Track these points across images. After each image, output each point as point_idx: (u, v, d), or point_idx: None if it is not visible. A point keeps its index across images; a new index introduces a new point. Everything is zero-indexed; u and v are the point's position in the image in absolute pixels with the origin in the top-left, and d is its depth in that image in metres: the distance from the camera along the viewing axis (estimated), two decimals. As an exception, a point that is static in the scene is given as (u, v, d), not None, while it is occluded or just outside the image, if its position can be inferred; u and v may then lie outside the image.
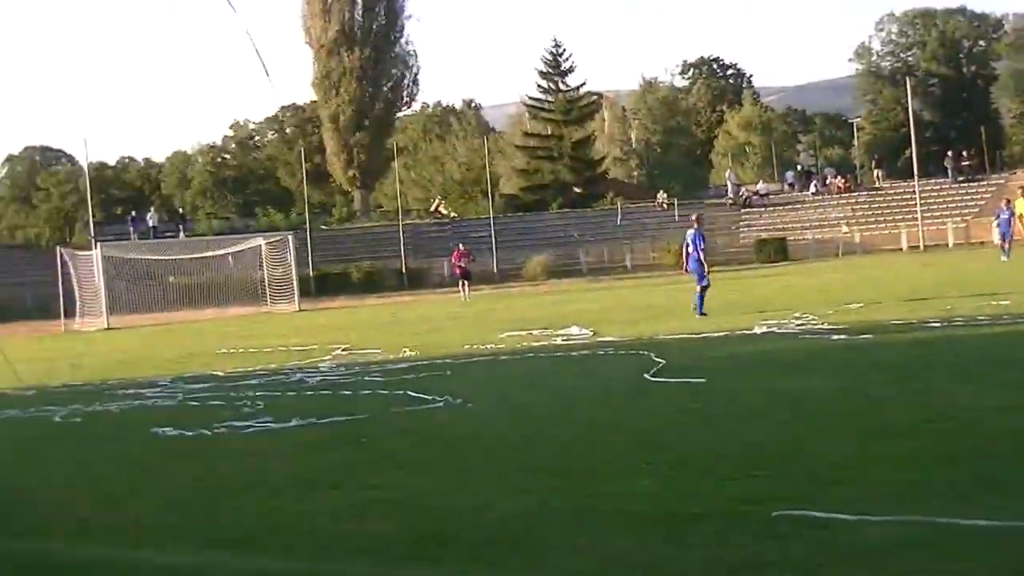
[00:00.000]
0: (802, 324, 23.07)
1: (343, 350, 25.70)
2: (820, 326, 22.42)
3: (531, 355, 21.35)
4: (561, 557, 7.32)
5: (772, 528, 7.51)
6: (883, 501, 7.98)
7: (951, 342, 18.42)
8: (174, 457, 12.58)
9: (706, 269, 28.51)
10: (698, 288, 28.21)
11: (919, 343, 18.54)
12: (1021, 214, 32.93)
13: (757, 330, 22.58)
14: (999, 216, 46.96)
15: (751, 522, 7.69)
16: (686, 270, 29.47)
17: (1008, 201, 48.33)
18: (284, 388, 18.81)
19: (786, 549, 7.04)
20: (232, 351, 28.54)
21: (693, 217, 30.63)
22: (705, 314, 27.33)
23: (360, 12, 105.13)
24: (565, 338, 24.54)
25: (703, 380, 15.30)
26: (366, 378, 19.30)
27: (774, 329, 22.53)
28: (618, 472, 9.85)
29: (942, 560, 6.60)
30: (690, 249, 29.02)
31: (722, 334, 22.54)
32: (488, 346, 23.88)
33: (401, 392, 16.43)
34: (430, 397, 15.48)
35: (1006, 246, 45.26)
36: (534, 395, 15.96)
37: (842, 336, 20.03)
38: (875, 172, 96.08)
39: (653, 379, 15.92)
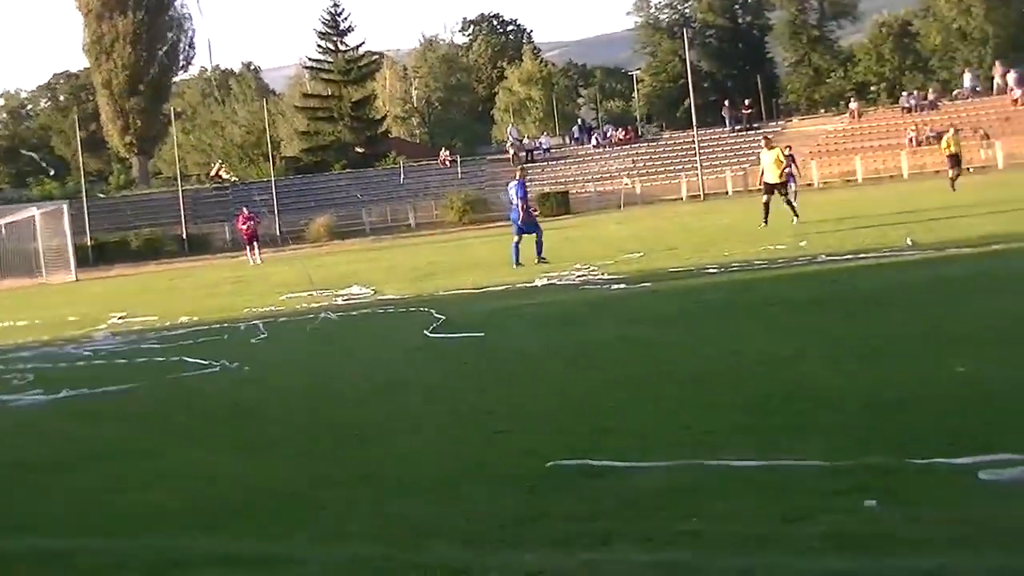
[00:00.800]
0: (582, 275, 23.15)
1: (119, 319, 25.10)
2: (600, 276, 22.53)
3: (311, 316, 21.05)
4: (341, 520, 7.15)
5: (546, 480, 7.44)
6: (659, 449, 7.94)
7: (730, 287, 18.61)
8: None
9: (533, 218, 29.40)
10: (530, 236, 28.62)
11: (696, 289, 18.69)
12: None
13: (538, 283, 22.64)
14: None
15: (525, 476, 7.60)
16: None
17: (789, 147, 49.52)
18: (56, 360, 18.21)
19: (560, 500, 6.97)
20: (4, 324, 27.70)
21: (517, 169, 31.16)
22: (522, 264, 27.79)
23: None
24: (346, 298, 24.29)
25: (482, 334, 15.22)
26: (142, 346, 18.81)
27: (555, 281, 22.58)
28: (394, 432, 9.69)
29: (713, 502, 6.58)
30: (514, 201, 29.28)
31: (502, 288, 22.57)
32: (269, 308, 23.53)
33: (177, 359, 16.06)
34: (207, 362, 15.16)
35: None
36: (311, 357, 15.71)
37: (621, 286, 20.15)
38: (640, 126, 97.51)
39: (432, 335, 15.78)
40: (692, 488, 6.91)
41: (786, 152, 48.23)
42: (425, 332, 16.08)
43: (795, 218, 32.21)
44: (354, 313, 20.69)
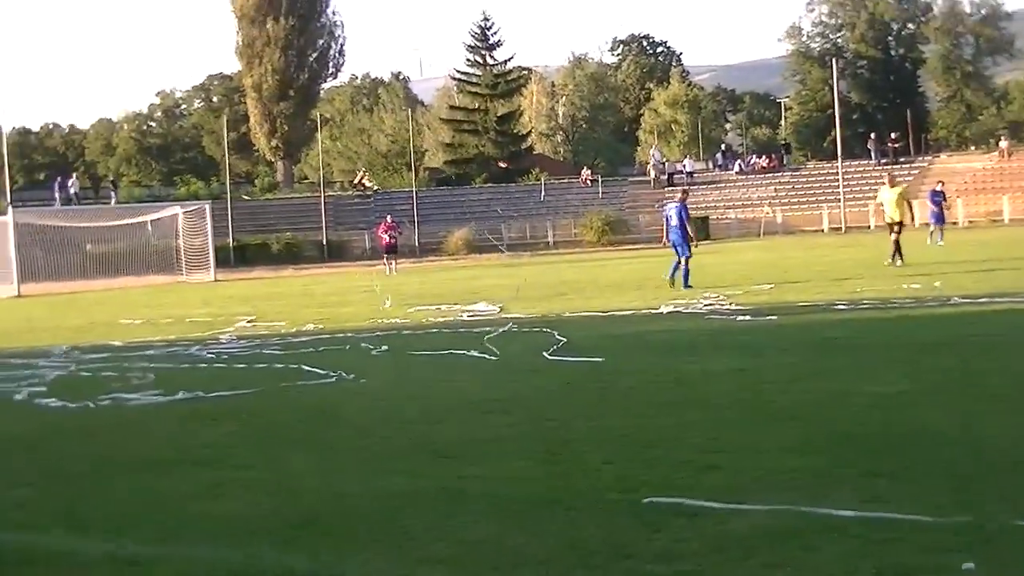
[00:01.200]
0: (710, 304, 22.92)
1: (248, 322, 25.36)
2: (727, 306, 22.29)
3: (435, 331, 21.07)
4: (422, 542, 7.11)
5: (640, 515, 7.32)
6: (758, 489, 7.80)
7: (856, 325, 18.28)
8: (50, 431, 12.25)
9: (691, 242, 29.03)
10: (681, 261, 28.54)
11: (821, 325, 18.39)
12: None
13: (663, 309, 22.45)
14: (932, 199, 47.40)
15: (619, 510, 7.50)
16: (667, 242, 29.62)
17: (942, 183, 49.01)
18: (179, 360, 18.48)
19: (651, 537, 6.86)
20: (137, 321, 28.11)
21: (680, 191, 31.29)
22: (691, 286, 27.76)
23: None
24: (472, 314, 24.28)
25: (601, 359, 15.10)
26: (264, 351, 19.02)
27: (680, 309, 22.39)
28: (490, 454, 9.61)
29: (806, 551, 6.43)
30: (673, 222, 29.16)
31: (628, 313, 22.42)
32: (395, 320, 23.60)
33: (296, 366, 16.16)
34: (323, 372, 15.23)
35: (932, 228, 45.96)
36: (429, 371, 15.65)
37: (747, 317, 19.90)
38: (784, 156, 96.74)
39: (551, 357, 15.69)
40: (786, 535, 6.75)
41: (938, 187, 47.67)
42: (544, 354, 15.99)
43: (897, 261, 31.60)
44: (476, 330, 20.63)
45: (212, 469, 9.65)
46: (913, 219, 34.08)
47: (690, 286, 27.72)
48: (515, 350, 17.16)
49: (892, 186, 33.81)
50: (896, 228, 32.34)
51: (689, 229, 28.87)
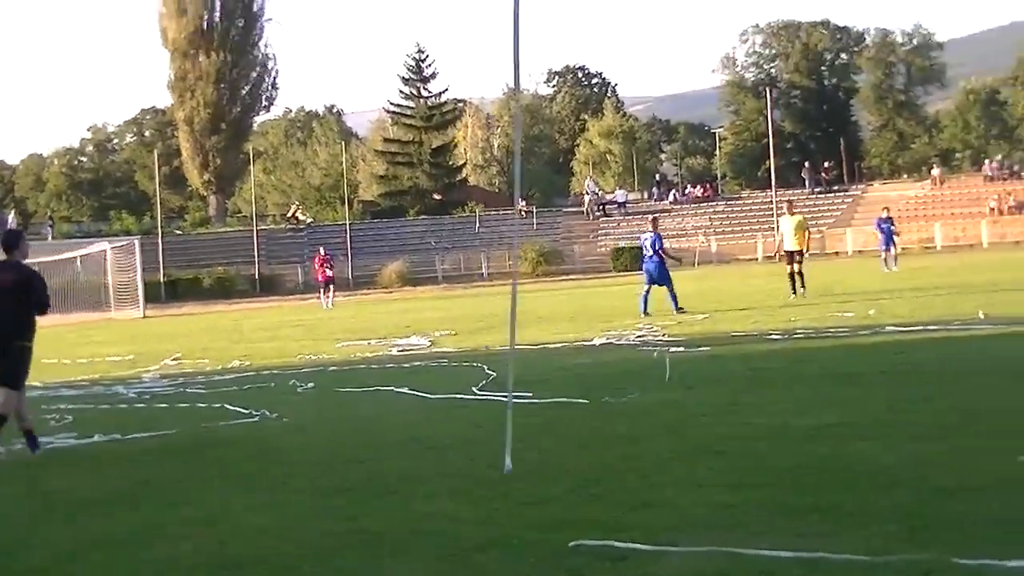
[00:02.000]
0: (642, 335, 22.66)
1: (173, 360, 24.89)
2: (661, 337, 22.02)
3: (363, 366, 20.69)
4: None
5: (565, 560, 6.97)
6: (692, 528, 7.49)
7: (790, 355, 18.02)
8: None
9: (667, 271, 29.49)
10: (648, 288, 28.97)
11: (754, 356, 18.14)
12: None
13: (596, 341, 22.17)
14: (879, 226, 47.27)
15: (544, 553, 7.16)
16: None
17: (887, 210, 48.92)
18: (99, 400, 18.03)
19: (575, 583, 6.50)
20: (61, 360, 27.53)
21: (650, 219, 31.69)
22: (683, 309, 28.28)
23: (217, 14, 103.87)
24: (402, 348, 23.92)
25: (529, 394, 14.72)
26: (188, 390, 18.59)
27: (613, 340, 22.11)
28: (422, 493, 9.24)
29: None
30: (648, 252, 29.57)
31: (560, 345, 22.09)
32: (322, 356, 23.22)
33: (219, 406, 15.76)
34: (247, 411, 14.84)
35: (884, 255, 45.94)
36: (355, 409, 15.24)
37: (679, 348, 19.59)
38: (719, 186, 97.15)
39: (480, 393, 15.33)
40: (718, 577, 6.41)
41: (884, 215, 47.65)
42: (474, 389, 15.64)
43: (799, 291, 31.11)
44: (405, 365, 20.25)
45: (139, 511, 9.33)
46: (809, 248, 33.63)
47: (648, 313, 27.87)
48: (444, 385, 16.76)
49: (792, 214, 33.13)
50: (797, 258, 31.65)
51: (667, 256, 29.63)
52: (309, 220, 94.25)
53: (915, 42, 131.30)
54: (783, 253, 32.35)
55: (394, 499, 9.09)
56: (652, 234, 29.75)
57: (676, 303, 28.55)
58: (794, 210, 34.08)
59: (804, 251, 32.13)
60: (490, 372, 17.42)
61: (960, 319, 21.05)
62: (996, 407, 11.53)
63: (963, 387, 13.12)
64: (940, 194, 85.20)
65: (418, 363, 20.58)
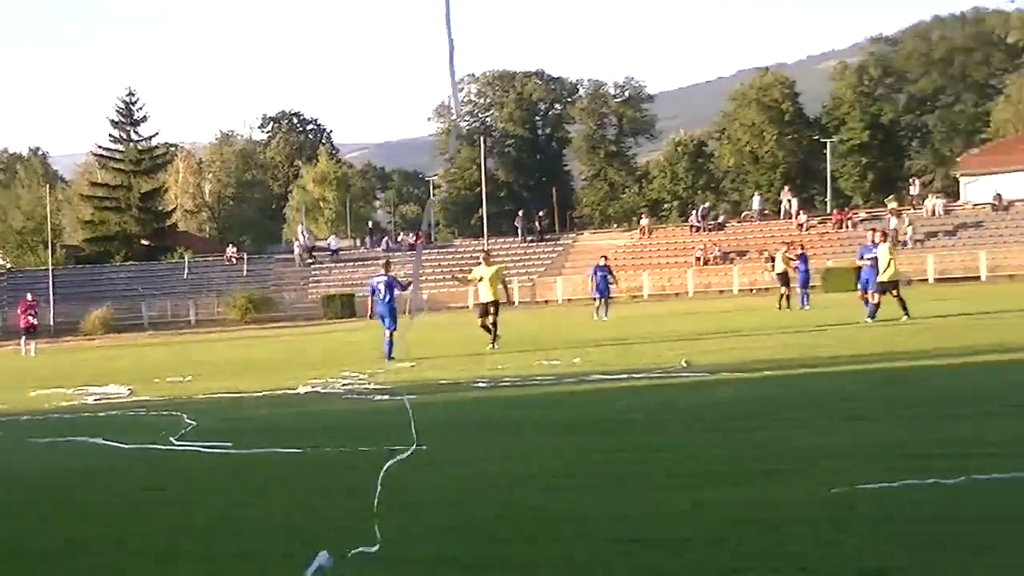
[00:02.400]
0: (348, 384, 22.38)
1: None
2: (366, 385, 21.78)
3: (56, 416, 19.87)
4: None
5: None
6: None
7: (490, 404, 17.97)
8: None
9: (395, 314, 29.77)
10: (387, 333, 29.13)
11: (457, 404, 18.04)
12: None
13: (301, 390, 21.77)
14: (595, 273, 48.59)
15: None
16: (374, 315, 30.49)
17: (605, 258, 49.97)
18: None
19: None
20: None
21: (382, 263, 32.57)
22: (393, 358, 28.20)
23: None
24: (99, 397, 23.12)
25: (229, 444, 14.27)
26: None
27: (318, 389, 21.77)
28: (112, 556, 8.67)
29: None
30: (382, 295, 29.74)
31: (264, 393, 21.66)
32: (5, 407, 22.29)
33: None
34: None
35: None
36: (40, 461, 14.53)
37: (384, 397, 19.35)
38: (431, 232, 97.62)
39: (178, 444, 14.78)
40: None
41: (602, 262, 48.61)
42: (172, 439, 15.08)
43: (496, 344, 30.80)
44: (101, 414, 19.53)
45: None
46: (509, 299, 33.74)
47: (394, 358, 27.99)
48: (142, 435, 16.14)
49: (488, 264, 32.49)
50: (492, 309, 31.31)
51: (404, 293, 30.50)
52: (9, 265, 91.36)
53: (627, 94, 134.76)
54: (478, 303, 32.31)
55: (57, 568, 8.54)
56: (386, 276, 29.99)
57: (391, 350, 28.51)
58: (491, 261, 33.50)
59: (501, 301, 31.86)
60: (190, 421, 16.86)
61: (663, 367, 21.37)
62: (681, 456, 11.57)
63: (656, 434, 13.18)
64: (648, 244, 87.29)
65: (114, 412, 19.88)
